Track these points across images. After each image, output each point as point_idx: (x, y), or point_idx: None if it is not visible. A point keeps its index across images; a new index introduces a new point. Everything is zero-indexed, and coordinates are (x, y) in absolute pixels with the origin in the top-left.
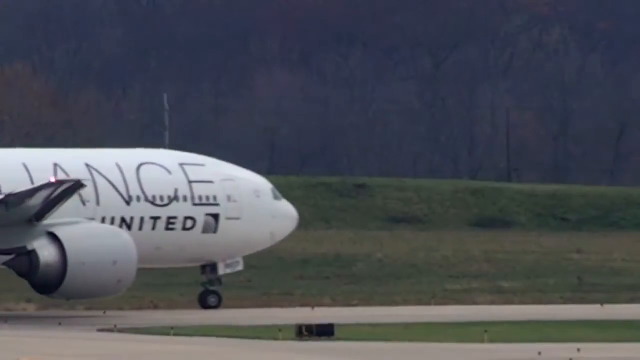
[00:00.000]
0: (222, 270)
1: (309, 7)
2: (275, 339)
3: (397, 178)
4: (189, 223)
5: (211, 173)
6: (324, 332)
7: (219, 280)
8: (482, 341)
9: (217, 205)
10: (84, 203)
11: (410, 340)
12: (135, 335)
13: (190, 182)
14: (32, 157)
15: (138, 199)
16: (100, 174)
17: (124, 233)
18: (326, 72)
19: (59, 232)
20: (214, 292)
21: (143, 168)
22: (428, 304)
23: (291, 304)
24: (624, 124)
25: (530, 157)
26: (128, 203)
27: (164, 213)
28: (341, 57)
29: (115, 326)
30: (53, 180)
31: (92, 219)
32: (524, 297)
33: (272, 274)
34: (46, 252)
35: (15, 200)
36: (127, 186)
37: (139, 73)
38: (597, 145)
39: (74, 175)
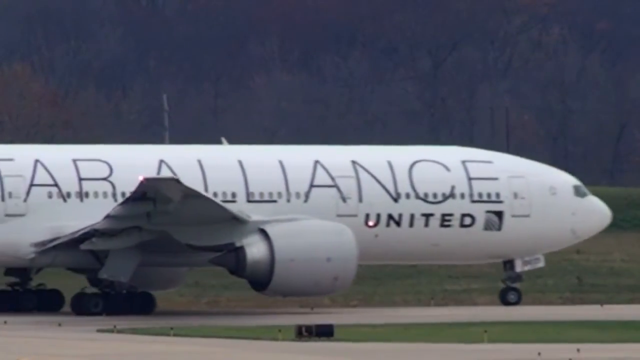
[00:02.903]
0: (519, 267)
1: (308, 7)
2: (275, 339)
3: None
4: (467, 220)
5: (498, 170)
6: (324, 332)
7: (518, 277)
8: (482, 341)
9: (500, 202)
10: (344, 200)
11: (410, 340)
12: (134, 335)
13: (470, 179)
14: (290, 154)
15: (407, 196)
16: (366, 170)
17: (345, 230)
18: (325, 73)
19: (269, 229)
20: (514, 289)
21: (417, 165)
22: (428, 304)
23: (291, 305)
24: (624, 124)
25: (530, 157)
26: (396, 200)
27: (438, 210)
28: (340, 57)
29: (115, 326)
30: (141, 178)
31: (354, 215)
32: (523, 297)
33: None
34: (254, 248)
35: (161, 197)
36: (395, 183)
37: (138, 73)
38: (597, 145)
39: (337, 172)
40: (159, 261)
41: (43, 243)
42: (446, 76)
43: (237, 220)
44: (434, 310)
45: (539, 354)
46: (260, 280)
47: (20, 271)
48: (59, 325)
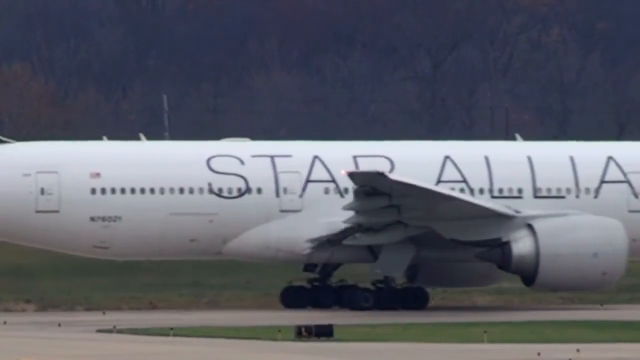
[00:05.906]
0: None
1: (308, 7)
2: (275, 339)
3: None
4: None
5: None
6: (323, 332)
7: None
8: (482, 341)
9: None
10: (636, 195)
11: (410, 340)
12: (134, 335)
13: None
14: (582, 150)
15: None
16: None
17: (616, 226)
18: (325, 73)
19: (536, 224)
20: None
21: None
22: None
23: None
24: (624, 124)
25: None
26: (636, 196)
27: None
28: (340, 57)
29: (115, 327)
30: (343, 173)
31: None
32: (523, 297)
33: (272, 274)
34: (520, 243)
35: (395, 191)
36: None
37: (138, 73)
38: None
39: (630, 168)
40: (428, 256)
41: (319, 239)
42: (446, 76)
43: (503, 216)
44: (433, 311)
45: (539, 354)
46: (527, 275)
47: (318, 267)
48: (59, 325)
